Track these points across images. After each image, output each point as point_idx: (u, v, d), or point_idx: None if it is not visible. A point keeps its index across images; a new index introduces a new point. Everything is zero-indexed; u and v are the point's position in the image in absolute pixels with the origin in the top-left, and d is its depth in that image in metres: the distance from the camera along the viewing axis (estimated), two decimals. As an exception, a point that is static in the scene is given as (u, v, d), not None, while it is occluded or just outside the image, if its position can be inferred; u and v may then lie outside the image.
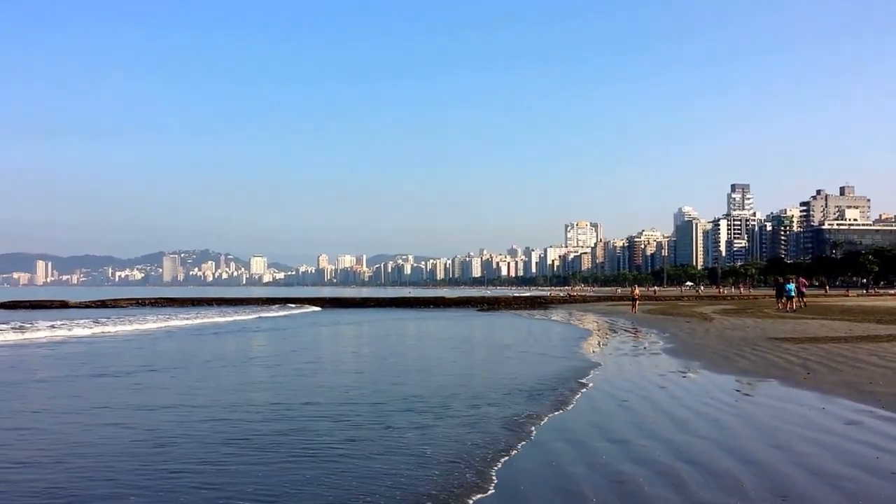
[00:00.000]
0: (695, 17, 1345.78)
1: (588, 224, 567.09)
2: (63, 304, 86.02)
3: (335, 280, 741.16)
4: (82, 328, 40.59)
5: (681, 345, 27.99)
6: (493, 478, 9.38)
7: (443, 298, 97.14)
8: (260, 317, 60.93)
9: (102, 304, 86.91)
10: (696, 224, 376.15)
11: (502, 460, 10.23)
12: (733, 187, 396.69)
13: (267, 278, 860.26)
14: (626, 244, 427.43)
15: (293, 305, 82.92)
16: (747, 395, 16.03)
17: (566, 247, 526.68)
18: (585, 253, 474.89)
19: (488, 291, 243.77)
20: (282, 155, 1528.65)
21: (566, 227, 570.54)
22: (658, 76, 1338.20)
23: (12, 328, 38.13)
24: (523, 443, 11.33)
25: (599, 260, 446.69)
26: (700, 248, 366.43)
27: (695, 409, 14.00)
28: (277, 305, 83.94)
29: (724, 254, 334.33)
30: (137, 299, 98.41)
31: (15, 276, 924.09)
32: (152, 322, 48.81)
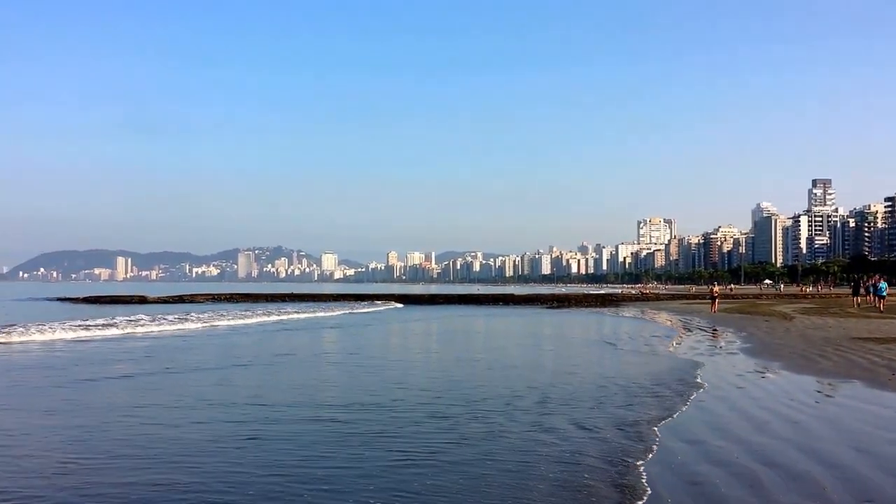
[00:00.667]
0: (764, 14, 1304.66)
1: (661, 220, 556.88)
2: (142, 300, 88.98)
3: (404, 277, 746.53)
4: (201, 322, 42.33)
5: (759, 344, 27.33)
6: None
7: (511, 296, 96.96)
8: (350, 312, 62.60)
9: (180, 300, 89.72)
10: (776, 220, 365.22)
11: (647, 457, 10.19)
12: (814, 182, 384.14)
13: (338, 275, 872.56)
14: (701, 241, 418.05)
15: (379, 302, 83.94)
16: (829, 396, 15.56)
17: (638, 243, 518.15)
18: (659, 250, 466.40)
19: (561, 289, 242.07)
20: (353, 152, 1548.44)
21: (639, 223, 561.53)
22: (736, 73, 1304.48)
23: (107, 323, 39.67)
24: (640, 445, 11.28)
25: (673, 257, 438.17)
26: (779, 245, 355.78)
27: (774, 411, 13.65)
28: (366, 302, 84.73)
29: (804, 251, 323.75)
30: (213, 295, 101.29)
31: (96, 272, 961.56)
32: (261, 316, 51.52)
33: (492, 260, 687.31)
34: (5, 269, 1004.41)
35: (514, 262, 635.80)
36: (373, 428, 12.27)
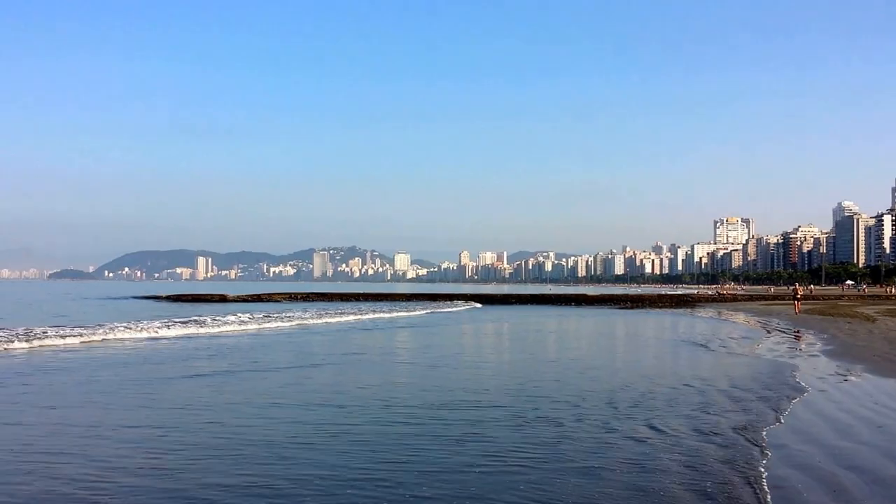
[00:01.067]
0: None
1: (739, 220, 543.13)
2: (222, 298, 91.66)
3: (476, 277, 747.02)
4: (291, 321, 43.81)
5: (841, 347, 26.64)
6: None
7: (584, 296, 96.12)
8: (433, 312, 63.85)
9: (258, 299, 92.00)
10: (858, 220, 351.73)
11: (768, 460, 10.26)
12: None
13: (410, 274, 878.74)
14: (780, 240, 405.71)
15: (460, 302, 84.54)
16: (916, 401, 15.13)
17: (715, 243, 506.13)
18: (736, 250, 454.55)
19: (634, 289, 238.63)
20: (424, 152, 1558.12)
21: (715, 222, 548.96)
22: (818, 66, 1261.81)
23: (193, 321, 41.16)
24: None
25: (751, 257, 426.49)
26: (861, 245, 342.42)
27: (858, 415, 13.43)
28: (448, 302, 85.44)
29: (888, 251, 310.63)
30: (290, 294, 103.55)
31: (178, 271, 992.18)
32: (350, 315, 53.53)
33: (564, 260, 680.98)
34: (92, 269, 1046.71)
35: (587, 262, 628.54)
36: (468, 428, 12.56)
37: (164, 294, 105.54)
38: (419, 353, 27.19)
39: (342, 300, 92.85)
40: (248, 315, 49.42)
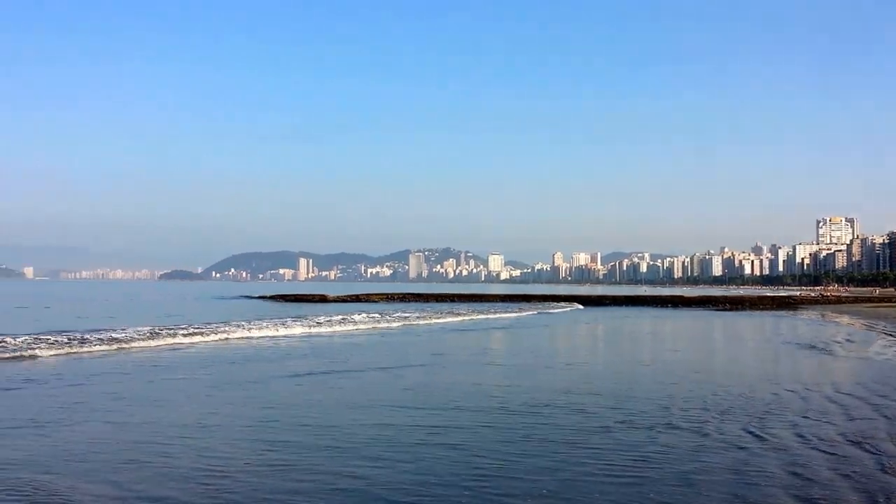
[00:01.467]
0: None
1: (843, 219, 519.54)
2: (323, 298, 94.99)
3: (569, 278, 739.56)
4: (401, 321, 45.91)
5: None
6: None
7: (681, 297, 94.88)
8: (539, 312, 65.51)
9: (356, 299, 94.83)
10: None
11: None
12: None
13: (504, 275, 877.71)
14: (886, 240, 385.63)
15: (564, 303, 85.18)
16: None
17: (817, 244, 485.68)
18: (840, 250, 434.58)
19: (733, 291, 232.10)
20: (517, 154, 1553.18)
21: (818, 222, 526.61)
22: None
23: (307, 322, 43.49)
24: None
25: (855, 258, 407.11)
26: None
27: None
28: (553, 303, 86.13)
29: None
30: (387, 294, 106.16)
31: (281, 271, 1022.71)
32: (468, 315, 56.24)
33: (659, 261, 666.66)
34: (200, 270, 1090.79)
35: (683, 262, 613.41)
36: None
37: (268, 294, 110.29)
38: (559, 355, 28.02)
39: (437, 301, 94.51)
40: (363, 315, 51.70)
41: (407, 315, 54.42)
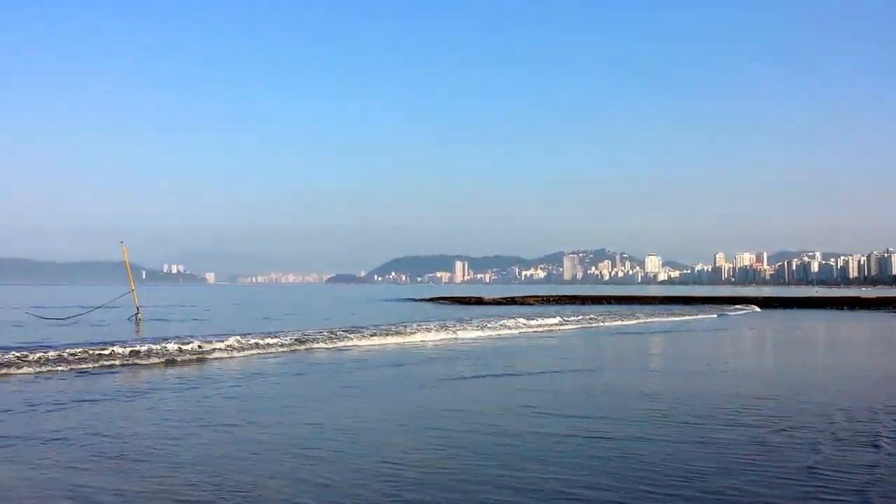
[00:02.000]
0: None
1: None
2: (479, 301, 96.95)
3: (733, 279, 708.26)
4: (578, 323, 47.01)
5: None
6: None
7: (857, 298, 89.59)
8: (719, 315, 65.19)
9: (511, 301, 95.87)
10: None
11: None
12: None
13: (661, 277, 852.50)
14: None
15: (740, 306, 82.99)
16: None
17: None
18: None
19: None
20: (669, 154, 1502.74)
21: None
22: None
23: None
24: None
25: None
26: None
27: None
28: (735, 306, 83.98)
29: None
30: (542, 297, 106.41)
31: (438, 274, 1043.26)
32: (648, 317, 56.38)
33: (832, 260, 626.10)
34: (363, 273, 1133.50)
35: (859, 261, 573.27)
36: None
37: (428, 297, 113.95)
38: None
39: (593, 303, 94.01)
40: (537, 318, 51.31)
41: (578, 317, 54.76)
